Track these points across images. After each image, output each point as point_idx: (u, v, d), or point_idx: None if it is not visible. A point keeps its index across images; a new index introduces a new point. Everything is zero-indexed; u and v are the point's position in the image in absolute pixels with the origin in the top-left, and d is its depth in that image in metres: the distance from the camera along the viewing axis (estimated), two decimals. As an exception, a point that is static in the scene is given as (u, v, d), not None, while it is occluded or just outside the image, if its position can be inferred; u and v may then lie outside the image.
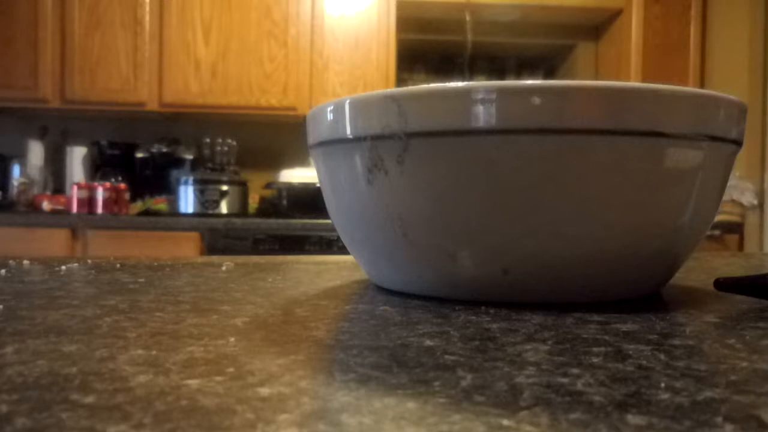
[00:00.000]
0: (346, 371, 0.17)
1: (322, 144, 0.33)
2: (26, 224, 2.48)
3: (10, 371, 0.17)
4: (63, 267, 0.42)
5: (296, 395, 0.15)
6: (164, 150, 2.85)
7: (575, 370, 0.18)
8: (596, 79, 2.97)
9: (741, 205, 2.42)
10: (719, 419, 0.14)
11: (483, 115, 0.27)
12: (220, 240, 2.43)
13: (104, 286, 0.34)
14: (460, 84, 0.27)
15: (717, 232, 2.38)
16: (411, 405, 0.14)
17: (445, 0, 2.78)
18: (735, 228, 2.44)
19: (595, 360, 0.19)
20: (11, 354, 0.19)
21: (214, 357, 0.19)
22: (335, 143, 0.32)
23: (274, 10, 2.69)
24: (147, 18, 2.67)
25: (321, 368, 0.18)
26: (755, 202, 2.43)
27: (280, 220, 2.51)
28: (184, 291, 0.32)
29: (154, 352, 0.19)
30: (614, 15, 2.89)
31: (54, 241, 2.43)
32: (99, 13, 2.66)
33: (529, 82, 0.27)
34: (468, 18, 2.81)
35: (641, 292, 0.32)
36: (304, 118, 0.35)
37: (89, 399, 0.14)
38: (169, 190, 2.75)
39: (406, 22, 2.82)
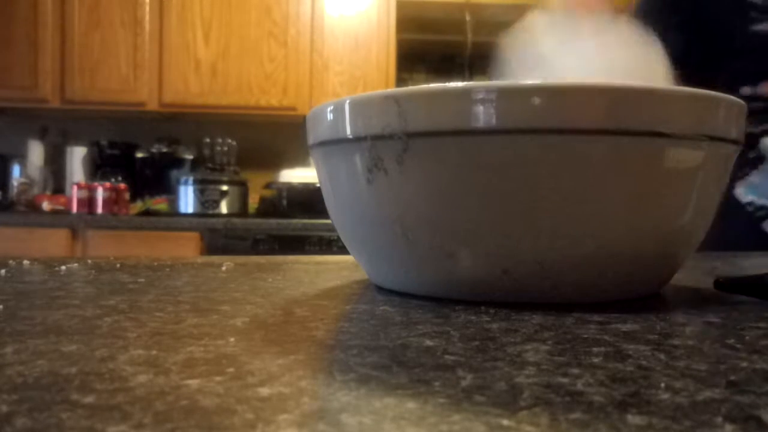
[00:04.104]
0: (346, 371, 0.17)
1: (322, 144, 0.33)
2: (26, 224, 2.48)
3: (10, 371, 0.17)
4: (63, 267, 0.42)
5: (296, 395, 0.15)
6: (164, 150, 2.85)
7: (575, 370, 0.18)
8: (596, 79, 2.96)
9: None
10: (719, 419, 0.14)
11: (483, 115, 0.27)
12: (220, 240, 2.43)
13: (104, 286, 0.34)
14: (460, 84, 0.27)
15: (717, 232, 2.37)
16: (411, 405, 0.14)
17: (445, 0, 2.78)
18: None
19: (595, 360, 0.19)
20: (11, 354, 0.19)
21: (214, 357, 0.19)
22: (335, 143, 0.32)
23: (274, 10, 2.69)
24: (147, 18, 2.67)
25: (321, 368, 0.18)
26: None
27: (280, 220, 2.51)
28: (184, 291, 0.32)
29: (154, 352, 0.19)
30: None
31: (54, 241, 2.43)
32: (99, 13, 2.66)
33: (529, 82, 0.27)
34: (468, 18, 2.81)
35: (641, 292, 0.32)
36: (304, 118, 0.35)
37: (89, 399, 0.14)
38: (169, 190, 2.75)
39: (406, 22, 2.82)
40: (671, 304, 0.31)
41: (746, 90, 0.83)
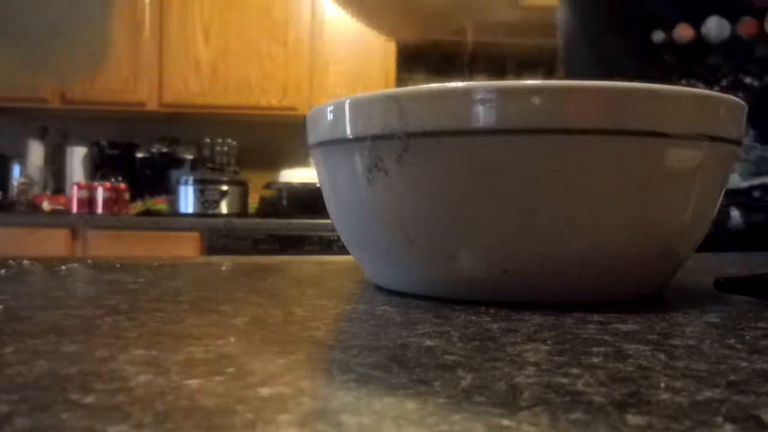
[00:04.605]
0: (346, 371, 0.17)
1: (322, 144, 0.33)
2: (26, 224, 2.48)
3: (10, 371, 0.17)
4: (63, 267, 0.42)
5: (296, 395, 0.15)
6: (164, 150, 2.85)
7: (575, 370, 0.18)
8: (596, 79, 2.95)
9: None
10: (719, 419, 0.14)
11: (483, 115, 0.27)
12: (220, 240, 2.43)
13: (104, 286, 0.34)
14: (460, 84, 0.27)
15: (717, 232, 2.37)
16: (411, 405, 0.14)
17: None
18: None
19: (595, 360, 0.19)
20: (11, 354, 0.19)
21: (214, 357, 0.19)
22: (335, 143, 0.32)
23: (274, 10, 2.69)
24: (147, 18, 2.67)
25: (321, 368, 0.18)
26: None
27: (280, 220, 2.51)
28: (184, 291, 0.32)
29: (154, 352, 0.19)
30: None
31: (54, 241, 2.43)
32: (99, 13, 2.66)
33: (529, 82, 0.27)
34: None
35: (641, 292, 0.32)
36: (304, 118, 0.35)
37: (89, 399, 0.14)
38: (169, 190, 2.75)
39: (406, 22, 2.82)
40: (671, 304, 0.31)
41: (659, 36, 0.69)
